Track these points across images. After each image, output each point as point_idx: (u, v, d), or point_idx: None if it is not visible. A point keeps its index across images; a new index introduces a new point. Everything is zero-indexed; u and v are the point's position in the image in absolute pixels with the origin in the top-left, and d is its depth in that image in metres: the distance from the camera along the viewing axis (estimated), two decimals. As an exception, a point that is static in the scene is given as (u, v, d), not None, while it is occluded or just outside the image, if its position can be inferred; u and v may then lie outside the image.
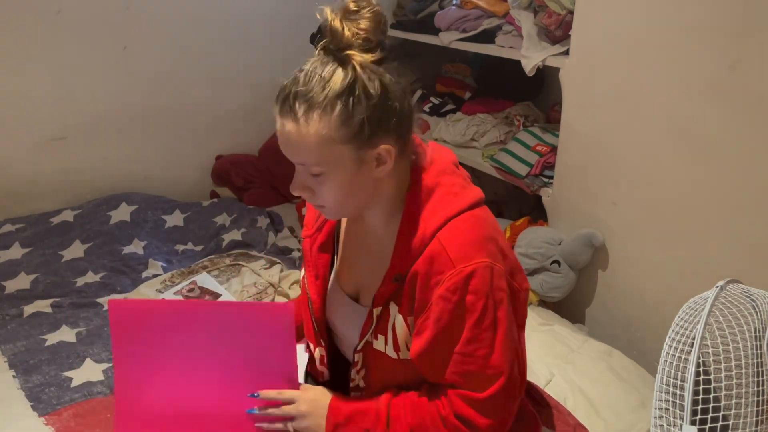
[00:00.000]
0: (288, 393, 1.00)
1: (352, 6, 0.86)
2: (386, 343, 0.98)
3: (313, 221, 1.10)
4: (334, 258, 1.11)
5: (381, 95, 0.86)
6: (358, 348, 1.01)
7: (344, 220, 1.09)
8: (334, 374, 1.13)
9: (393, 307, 0.96)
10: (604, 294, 1.85)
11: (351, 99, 0.84)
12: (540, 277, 1.84)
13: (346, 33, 0.85)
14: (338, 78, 0.84)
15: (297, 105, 0.85)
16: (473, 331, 0.89)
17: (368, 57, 0.85)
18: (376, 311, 0.97)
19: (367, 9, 0.87)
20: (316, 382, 1.18)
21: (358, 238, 1.06)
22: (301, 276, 1.13)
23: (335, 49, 0.86)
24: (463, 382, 0.92)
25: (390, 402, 0.98)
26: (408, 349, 0.97)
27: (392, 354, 0.98)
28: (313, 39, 0.89)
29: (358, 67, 0.84)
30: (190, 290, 1.87)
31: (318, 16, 0.87)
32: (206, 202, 2.42)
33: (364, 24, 0.86)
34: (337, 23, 0.85)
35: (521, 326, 1.02)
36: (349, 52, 0.85)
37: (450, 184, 0.95)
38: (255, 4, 2.50)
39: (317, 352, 1.13)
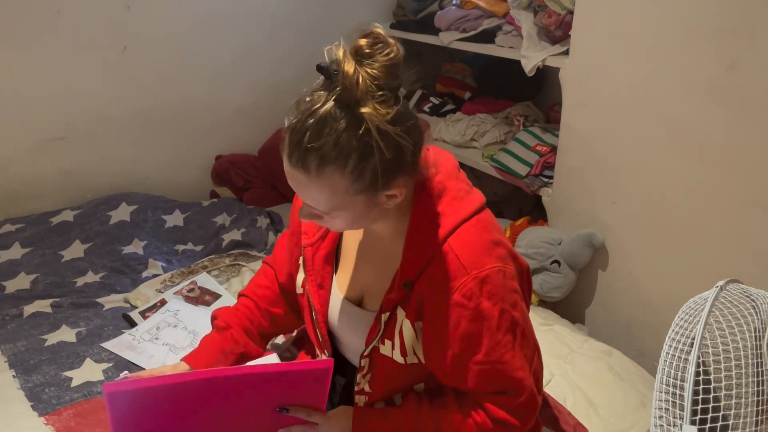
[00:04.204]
0: (317, 414, 0.97)
1: (365, 47, 0.80)
2: (393, 348, 0.97)
3: (315, 229, 1.09)
4: (335, 265, 1.10)
5: (395, 152, 0.82)
6: (365, 353, 1.01)
7: None
8: (336, 377, 1.13)
9: (400, 312, 0.96)
10: (604, 294, 1.85)
11: (365, 156, 0.81)
12: (540, 277, 1.84)
13: (361, 85, 0.78)
14: (352, 135, 0.80)
15: (310, 159, 0.81)
16: (495, 337, 0.90)
17: (383, 113, 0.79)
18: (384, 317, 0.97)
19: (382, 52, 0.80)
20: None
21: (363, 244, 1.05)
22: (300, 282, 1.12)
23: (349, 103, 0.79)
24: (493, 388, 0.93)
25: (418, 418, 0.97)
26: (414, 354, 0.97)
27: (399, 359, 0.97)
28: (322, 71, 0.82)
29: (373, 129, 0.79)
30: (190, 290, 1.87)
31: (326, 55, 0.81)
32: (206, 202, 2.42)
33: (378, 69, 0.79)
34: (351, 71, 0.78)
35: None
36: (363, 110, 0.79)
37: (456, 189, 0.95)
38: (255, 5, 2.50)
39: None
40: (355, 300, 1.06)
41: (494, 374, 0.91)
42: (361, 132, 0.80)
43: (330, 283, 1.08)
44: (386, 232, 0.99)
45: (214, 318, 1.24)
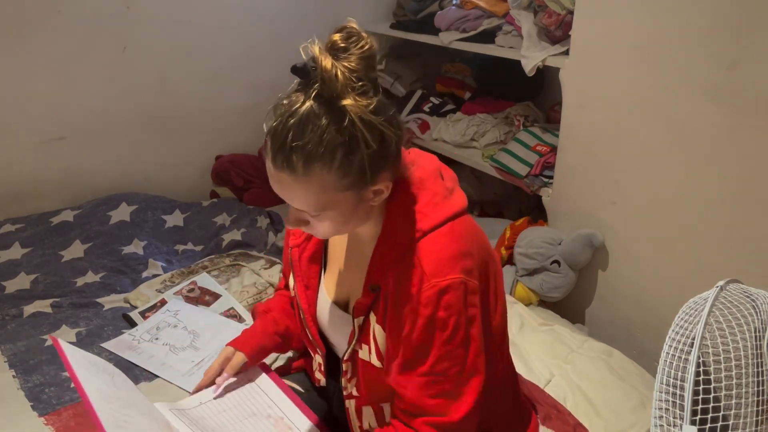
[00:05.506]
0: None
1: (339, 42, 0.79)
2: (370, 352, 0.97)
3: (301, 230, 1.08)
4: (322, 266, 1.10)
5: (380, 142, 0.82)
6: (345, 357, 1.00)
7: None
8: (335, 377, 1.13)
9: (372, 317, 0.95)
10: (604, 294, 1.85)
11: (351, 150, 0.81)
12: (540, 277, 1.84)
13: (340, 78, 0.78)
14: (336, 130, 0.79)
15: (295, 159, 0.80)
16: (445, 348, 0.87)
17: (364, 104, 0.80)
18: (357, 321, 0.96)
19: (356, 44, 0.80)
20: (315, 388, 1.18)
21: (349, 246, 1.05)
22: (292, 284, 1.12)
23: (329, 98, 0.79)
24: (434, 404, 0.90)
25: None
26: None
27: (377, 363, 0.96)
28: (298, 72, 0.81)
29: (356, 120, 0.79)
30: (190, 290, 1.87)
31: (302, 53, 0.80)
32: (206, 202, 2.42)
33: (354, 62, 0.79)
34: (328, 66, 0.78)
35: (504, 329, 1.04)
36: (345, 102, 0.79)
37: (431, 194, 0.92)
38: (255, 5, 2.50)
39: (315, 360, 1.13)
40: (342, 302, 1.05)
41: (436, 387, 0.89)
42: (345, 125, 0.79)
43: (317, 284, 1.08)
44: (367, 235, 0.98)
45: (254, 310, 1.26)
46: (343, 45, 0.80)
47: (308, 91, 0.81)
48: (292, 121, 0.80)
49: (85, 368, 0.95)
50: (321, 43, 0.80)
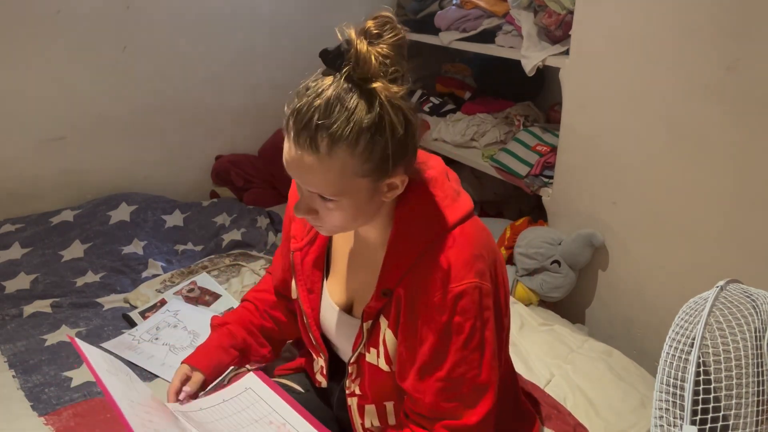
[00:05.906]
0: None
1: (373, 29, 0.80)
2: (378, 356, 0.97)
3: (304, 233, 1.08)
4: (326, 269, 1.09)
5: (406, 129, 0.82)
6: (351, 360, 1.01)
7: None
8: (336, 378, 1.13)
9: (383, 321, 0.94)
10: (604, 294, 1.85)
11: (377, 134, 0.80)
12: (540, 277, 1.84)
13: (374, 62, 0.79)
14: (364, 112, 0.79)
15: (319, 138, 0.79)
16: (461, 353, 0.88)
17: (395, 90, 0.80)
18: (366, 325, 0.96)
19: (390, 33, 0.80)
20: (316, 390, 1.18)
21: (353, 250, 1.05)
22: (295, 287, 1.12)
23: (361, 79, 0.80)
24: (451, 408, 0.90)
25: None
26: None
27: (385, 367, 0.97)
28: (328, 57, 0.82)
29: (386, 102, 0.80)
30: (190, 290, 1.87)
31: (339, 35, 0.81)
32: (206, 202, 2.42)
33: (386, 49, 0.80)
34: (363, 49, 0.78)
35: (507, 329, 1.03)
36: (375, 84, 0.79)
37: (441, 197, 0.93)
38: (255, 5, 2.50)
39: (317, 363, 1.13)
40: (346, 306, 1.05)
41: (453, 391, 0.89)
42: (374, 108, 0.79)
43: (320, 288, 1.08)
44: (374, 238, 0.97)
45: (210, 323, 1.24)
46: (377, 32, 0.80)
47: (338, 73, 0.81)
48: (318, 101, 0.79)
49: (107, 369, 0.96)
50: (356, 28, 0.81)
